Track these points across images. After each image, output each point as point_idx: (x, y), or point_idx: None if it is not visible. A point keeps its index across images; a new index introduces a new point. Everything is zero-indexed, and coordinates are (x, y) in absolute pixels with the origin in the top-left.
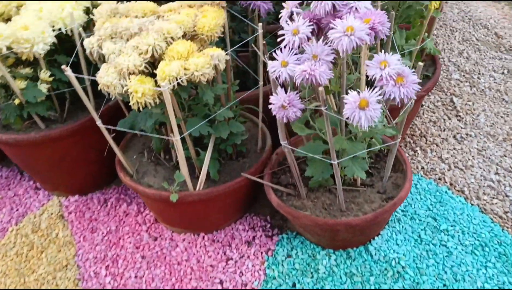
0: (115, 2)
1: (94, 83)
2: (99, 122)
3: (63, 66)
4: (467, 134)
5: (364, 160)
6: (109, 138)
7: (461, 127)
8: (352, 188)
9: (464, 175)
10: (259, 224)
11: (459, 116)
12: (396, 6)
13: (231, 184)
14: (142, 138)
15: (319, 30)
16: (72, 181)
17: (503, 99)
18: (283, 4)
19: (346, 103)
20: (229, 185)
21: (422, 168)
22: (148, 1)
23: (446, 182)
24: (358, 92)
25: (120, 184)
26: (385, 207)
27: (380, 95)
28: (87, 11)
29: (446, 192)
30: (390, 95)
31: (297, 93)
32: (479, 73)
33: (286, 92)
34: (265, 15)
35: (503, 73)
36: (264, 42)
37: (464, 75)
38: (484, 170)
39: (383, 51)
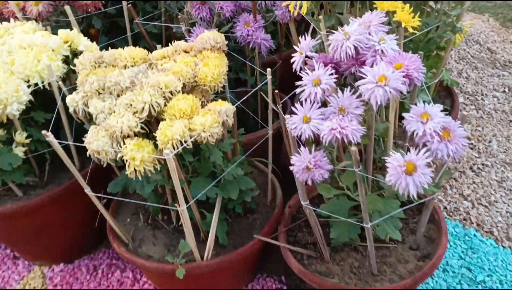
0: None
1: (77, 139)
2: (87, 190)
3: (44, 132)
4: (483, 164)
5: (397, 218)
6: (100, 206)
7: (476, 157)
8: (380, 245)
9: (490, 212)
10: (274, 286)
11: (471, 143)
12: (417, 41)
13: (244, 249)
14: (136, 197)
15: (337, 73)
16: (56, 249)
17: (510, 121)
18: (295, 47)
19: (388, 167)
20: (241, 251)
21: (445, 208)
22: (137, 47)
23: (473, 223)
24: (403, 154)
25: (110, 247)
26: (423, 269)
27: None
28: (66, 60)
29: (474, 235)
30: (437, 153)
31: (324, 151)
32: (482, 94)
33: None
34: (266, 53)
35: (504, 91)
36: (277, 91)
37: (468, 98)
38: (508, 205)
39: (420, 100)
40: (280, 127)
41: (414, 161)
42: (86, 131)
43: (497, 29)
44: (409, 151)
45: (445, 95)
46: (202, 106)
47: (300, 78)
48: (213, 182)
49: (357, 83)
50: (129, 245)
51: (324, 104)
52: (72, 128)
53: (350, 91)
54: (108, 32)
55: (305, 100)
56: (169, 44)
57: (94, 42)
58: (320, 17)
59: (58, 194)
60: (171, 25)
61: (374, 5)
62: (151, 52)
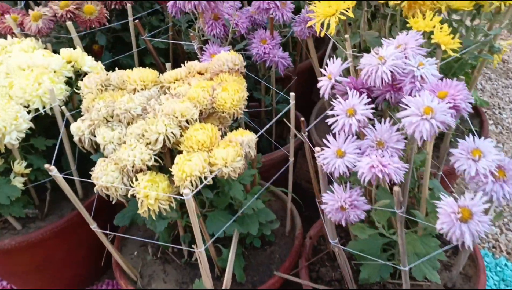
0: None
1: (80, 163)
2: (94, 226)
3: (46, 166)
4: None
5: (436, 258)
6: (107, 243)
7: None
8: (412, 282)
9: None
10: None
11: None
12: (451, 62)
13: (263, 289)
14: (144, 228)
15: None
16: (56, 282)
17: None
18: (322, 71)
19: (440, 213)
20: None
21: None
22: (147, 68)
23: (503, 251)
24: (456, 198)
25: (114, 277)
26: None
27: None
28: (69, 81)
29: (506, 265)
30: (491, 196)
31: (360, 188)
32: (499, 107)
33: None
34: (283, 71)
35: None
36: (302, 119)
37: (485, 111)
38: None
39: (470, 135)
40: (295, 147)
41: (469, 207)
42: (89, 157)
43: (506, 37)
44: (454, 193)
45: (472, 115)
46: (220, 134)
47: (312, 90)
48: (230, 215)
49: (398, 115)
50: (138, 282)
51: (356, 133)
52: (75, 154)
53: (389, 121)
54: (112, 47)
55: (338, 132)
56: (178, 61)
57: (100, 62)
58: (347, 36)
59: (60, 227)
60: (182, 42)
61: (408, 24)
62: (159, 69)
